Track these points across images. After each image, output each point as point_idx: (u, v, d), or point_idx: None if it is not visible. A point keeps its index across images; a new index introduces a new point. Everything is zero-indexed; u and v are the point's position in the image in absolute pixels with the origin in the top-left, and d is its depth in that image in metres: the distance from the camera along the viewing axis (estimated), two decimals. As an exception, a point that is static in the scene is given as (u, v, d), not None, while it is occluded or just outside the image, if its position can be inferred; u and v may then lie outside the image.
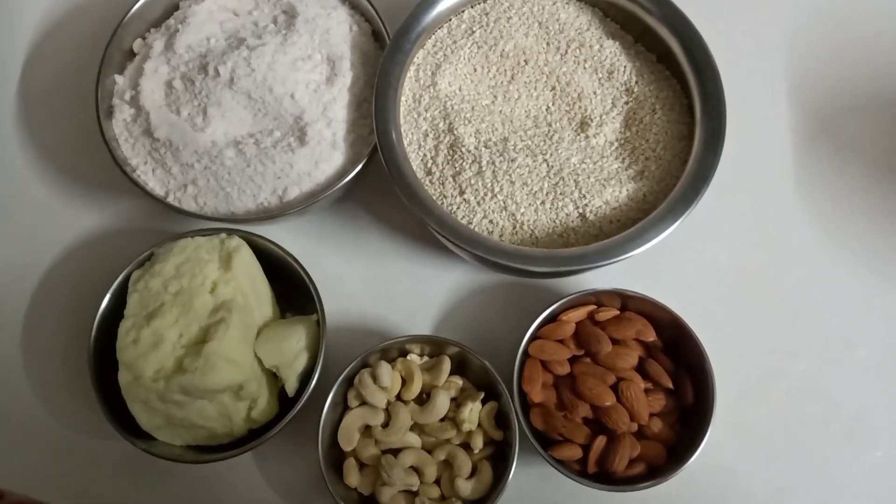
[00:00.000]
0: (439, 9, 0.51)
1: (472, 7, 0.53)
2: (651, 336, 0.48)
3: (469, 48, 0.51)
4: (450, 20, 0.53)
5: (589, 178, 0.48)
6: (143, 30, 0.54)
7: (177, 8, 0.54)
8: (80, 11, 0.61)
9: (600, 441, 0.45)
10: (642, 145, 0.49)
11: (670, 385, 0.47)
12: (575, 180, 0.48)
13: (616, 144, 0.50)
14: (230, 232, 0.49)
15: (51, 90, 0.59)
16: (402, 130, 0.49)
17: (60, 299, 0.53)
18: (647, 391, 0.47)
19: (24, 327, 0.53)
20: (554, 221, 0.47)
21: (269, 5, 0.53)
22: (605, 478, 0.45)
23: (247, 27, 0.52)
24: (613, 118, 0.50)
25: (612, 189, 0.47)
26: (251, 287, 0.47)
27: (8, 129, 0.58)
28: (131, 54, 0.54)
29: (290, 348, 0.46)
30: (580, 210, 0.47)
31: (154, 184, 0.50)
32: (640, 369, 0.47)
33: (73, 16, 0.61)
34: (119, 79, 0.52)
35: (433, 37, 0.52)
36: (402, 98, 0.50)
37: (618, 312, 0.49)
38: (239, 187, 0.48)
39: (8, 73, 0.59)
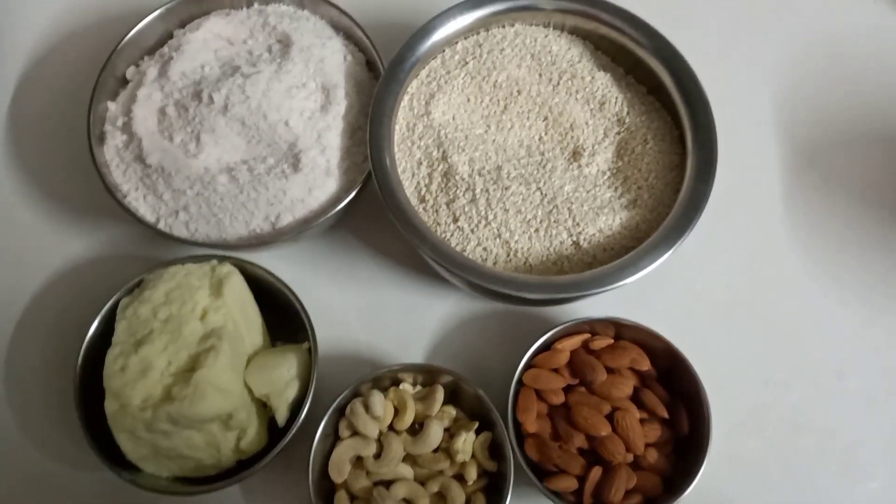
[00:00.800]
0: (433, 39, 0.51)
1: (465, 39, 0.54)
2: (646, 365, 0.48)
3: (462, 78, 0.52)
4: (443, 51, 0.53)
5: (582, 206, 0.48)
6: (137, 57, 0.54)
7: (171, 36, 0.55)
8: (75, 38, 0.61)
9: (596, 472, 0.45)
10: (635, 174, 0.49)
11: (666, 415, 0.46)
12: (569, 208, 0.48)
13: (609, 174, 0.50)
14: (221, 259, 0.48)
15: (42, 116, 0.59)
16: (396, 158, 0.50)
17: (46, 326, 0.52)
18: (642, 421, 0.46)
19: (7, 354, 0.52)
20: (548, 249, 0.47)
21: (263, 35, 0.54)
22: (601, 510, 0.45)
23: (241, 55, 0.52)
24: (605, 148, 0.50)
25: (605, 217, 0.47)
26: (242, 314, 0.47)
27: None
28: (124, 81, 0.54)
29: (281, 377, 0.45)
30: (574, 238, 0.47)
31: (145, 210, 0.49)
32: (635, 399, 0.47)
33: (68, 42, 0.61)
34: (112, 105, 0.52)
35: (427, 67, 0.53)
36: (396, 126, 0.51)
37: (612, 341, 0.48)
38: (231, 214, 0.48)
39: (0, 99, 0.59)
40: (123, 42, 0.53)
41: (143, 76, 0.51)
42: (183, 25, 0.55)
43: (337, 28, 0.55)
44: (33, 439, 0.50)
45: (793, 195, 0.57)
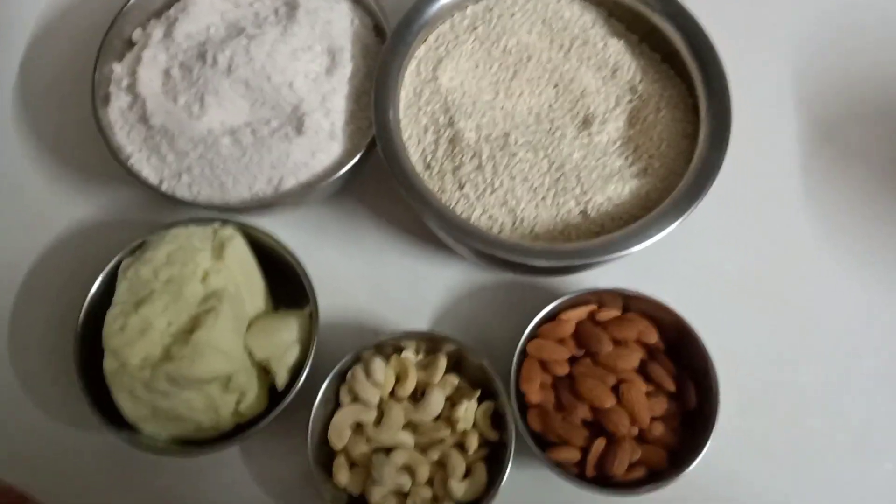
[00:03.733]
0: (442, 2, 0.50)
1: (475, 3, 0.52)
2: (653, 338, 0.47)
3: (471, 43, 0.51)
4: (453, 15, 0.52)
5: (591, 174, 0.47)
6: (144, 20, 0.54)
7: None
8: (84, 1, 0.60)
9: (599, 444, 0.44)
10: (646, 143, 0.48)
11: (673, 388, 0.45)
12: (577, 176, 0.47)
13: (619, 142, 0.49)
14: (224, 222, 0.48)
15: (49, 80, 0.58)
16: (402, 124, 0.49)
17: (50, 288, 0.52)
18: (648, 394, 0.45)
19: (11, 315, 0.52)
20: (555, 218, 0.46)
21: None
22: (603, 481, 0.44)
23: (247, 17, 0.52)
24: (617, 116, 0.49)
25: (614, 186, 0.46)
26: (244, 278, 0.46)
27: (4, 118, 0.57)
28: (130, 44, 0.53)
29: (282, 341, 0.45)
30: (581, 207, 0.46)
31: (148, 172, 0.49)
32: (642, 372, 0.46)
33: (77, 6, 0.61)
34: (117, 67, 0.51)
35: (436, 32, 0.52)
36: (403, 92, 0.50)
37: (619, 313, 0.48)
38: (234, 176, 0.48)
39: (8, 63, 0.59)
40: (129, 4, 0.52)
41: (148, 38, 0.51)
42: (191, -13, 0.54)
43: (344, -9, 0.54)
44: (34, 398, 0.50)
45: (811, 169, 0.55)
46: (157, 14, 0.54)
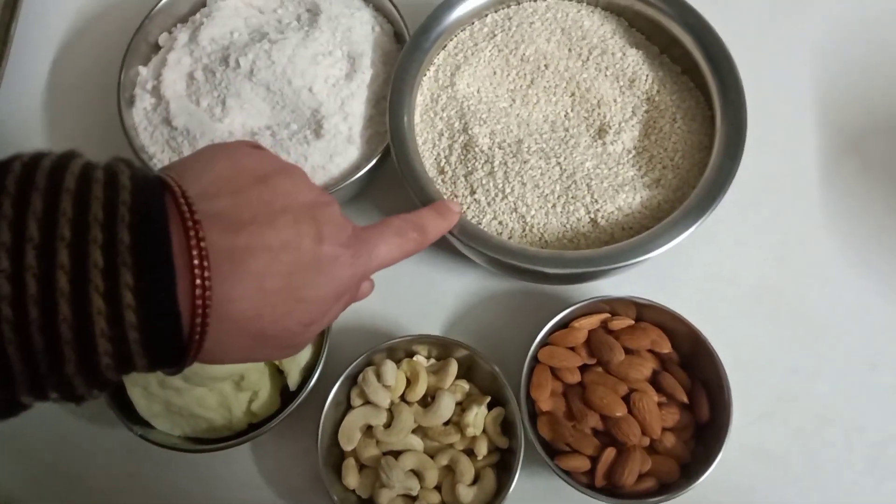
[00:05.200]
0: (460, 10, 0.51)
1: (495, 11, 0.53)
2: (666, 348, 0.46)
3: (490, 51, 0.51)
4: (472, 23, 0.53)
5: (602, 182, 0.47)
6: (170, 24, 0.55)
7: (204, 5, 0.55)
8: (113, 7, 0.62)
9: (609, 453, 0.44)
10: (660, 154, 0.48)
11: (685, 399, 0.45)
12: (588, 185, 0.47)
13: (633, 152, 0.49)
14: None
15: (77, 83, 0.60)
16: (418, 129, 0.49)
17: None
18: (660, 405, 0.45)
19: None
20: (565, 226, 0.46)
21: (293, 4, 0.54)
22: (613, 492, 0.44)
23: (270, 23, 0.53)
24: (633, 126, 0.49)
25: (625, 195, 0.46)
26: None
27: (34, 121, 0.59)
28: (157, 48, 0.55)
29: (295, 341, 0.45)
30: (592, 215, 0.46)
31: None
32: (654, 382, 0.46)
33: (106, 11, 0.62)
34: (143, 69, 0.53)
35: (455, 39, 0.52)
36: (420, 97, 0.50)
37: (632, 322, 0.47)
38: (252, 178, 0.48)
39: (38, 67, 0.60)
40: (156, 9, 0.54)
41: (173, 42, 0.52)
42: (216, -7, 0.55)
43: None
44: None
45: (830, 181, 0.54)
46: (183, 19, 0.55)
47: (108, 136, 0.55)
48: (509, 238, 0.46)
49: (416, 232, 0.37)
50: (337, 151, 0.48)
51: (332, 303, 0.31)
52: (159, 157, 0.50)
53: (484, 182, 0.47)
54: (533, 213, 0.46)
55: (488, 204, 0.47)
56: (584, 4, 0.53)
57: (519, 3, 0.53)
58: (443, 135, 0.49)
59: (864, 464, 0.48)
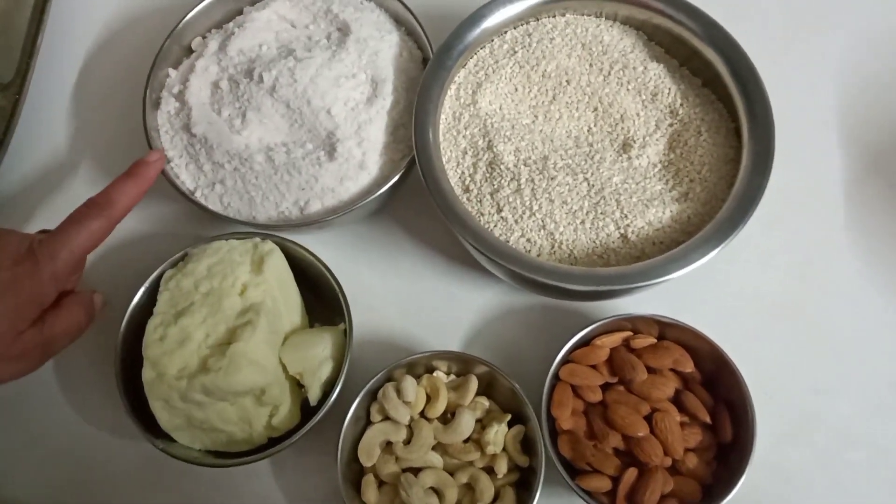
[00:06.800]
0: (481, 27, 0.50)
1: (514, 28, 0.53)
2: (689, 367, 0.46)
3: (511, 68, 0.51)
4: (492, 41, 0.52)
5: (631, 198, 0.47)
6: (205, 29, 0.56)
7: (240, 13, 0.56)
8: (150, 10, 0.62)
9: (631, 473, 0.43)
10: (687, 167, 0.48)
11: (708, 419, 0.45)
12: (616, 200, 0.46)
13: (660, 166, 0.48)
14: (265, 237, 0.49)
15: (105, 88, 0.60)
16: (442, 147, 0.49)
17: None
18: (682, 425, 0.45)
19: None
20: (594, 241, 0.46)
21: (326, 21, 0.54)
22: (634, 512, 0.43)
23: (300, 39, 0.53)
24: (657, 140, 0.49)
25: (655, 210, 0.46)
26: (281, 292, 0.47)
27: (59, 126, 0.59)
28: (189, 51, 0.55)
29: (316, 356, 0.45)
30: (622, 231, 0.46)
31: (185, 178, 0.50)
32: (677, 401, 0.45)
33: (142, 14, 0.62)
34: (172, 72, 0.53)
35: (475, 56, 0.52)
36: (442, 116, 0.50)
37: (655, 340, 0.47)
38: (263, 193, 0.49)
39: (66, 72, 0.61)
40: (193, 13, 0.54)
41: (204, 48, 0.53)
42: (254, 3, 0.56)
43: (399, 22, 0.55)
44: (73, 403, 0.51)
45: (855, 199, 0.54)
46: (219, 25, 0.56)
47: (132, 140, 0.55)
48: (538, 255, 0.46)
49: (98, 209, 0.42)
50: (348, 175, 0.48)
51: (23, 311, 0.39)
52: (177, 161, 0.51)
53: (511, 199, 0.47)
54: (562, 229, 0.46)
55: (516, 221, 0.47)
56: (603, 19, 0.53)
57: (538, 20, 0.53)
58: (466, 153, 0.49)
59: (890, 486, 0.47)
